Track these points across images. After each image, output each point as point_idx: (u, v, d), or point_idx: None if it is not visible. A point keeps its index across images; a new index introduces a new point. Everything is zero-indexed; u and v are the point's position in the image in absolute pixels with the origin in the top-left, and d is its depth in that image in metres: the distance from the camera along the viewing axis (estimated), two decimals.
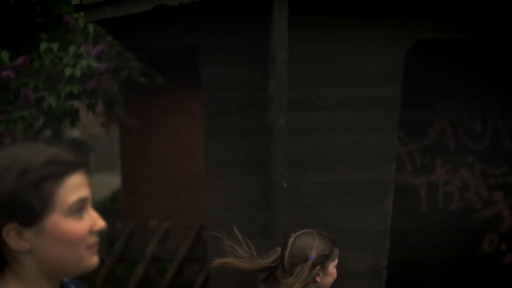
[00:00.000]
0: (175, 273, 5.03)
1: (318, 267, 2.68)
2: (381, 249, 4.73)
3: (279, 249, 2.81)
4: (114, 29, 4.80)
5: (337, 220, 4.72)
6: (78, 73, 5.02)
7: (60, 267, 1.27)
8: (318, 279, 2.70)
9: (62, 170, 1.27)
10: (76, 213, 1.27)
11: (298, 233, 2.78)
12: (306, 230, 2.79)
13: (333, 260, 2.72)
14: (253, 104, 4.70)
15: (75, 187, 1.28)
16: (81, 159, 1.32)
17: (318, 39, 4.71)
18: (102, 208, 10.01)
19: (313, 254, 2.68)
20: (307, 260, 2.67)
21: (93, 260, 1.30)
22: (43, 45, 5.06)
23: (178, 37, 4.78)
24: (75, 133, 18.54)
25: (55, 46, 5.05)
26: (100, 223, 1.30)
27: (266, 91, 4.73)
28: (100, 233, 1.30)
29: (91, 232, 1.28)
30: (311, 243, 2.71)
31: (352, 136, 4.73)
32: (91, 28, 5.29)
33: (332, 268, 2.72)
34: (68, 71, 5.02)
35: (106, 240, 5.95)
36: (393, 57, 4.72)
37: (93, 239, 1.29)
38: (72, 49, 5.12)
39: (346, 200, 4.72)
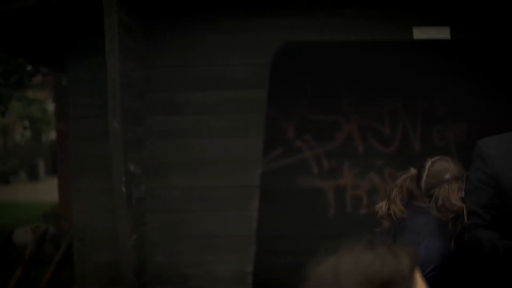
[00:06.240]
0: (53, 274, 5.07)
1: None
2: (246, 254, 4.69)
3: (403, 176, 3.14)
4: None
5: (201, 224, 4.69)
6: None
7: None
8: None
9: None
10: None
11: (434, 158, 3.09)
12: (442, 156, 3.13)
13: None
14: None
15: None
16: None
17: (183, 43, 4.69)
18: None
19: (448, 176, 3.00)
20: (444, 181, 2.98)
21: None
22: None
23: (46, 41, 4.81)
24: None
25: None
26: None
27: None
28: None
29: None
30: (447, 167, 3.03)
31: (217, 140, 4.70)
32: None
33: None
34: None
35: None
36: (259, 60, 4.68)
37: None
38: None
39: (210, 204, 4.70)
